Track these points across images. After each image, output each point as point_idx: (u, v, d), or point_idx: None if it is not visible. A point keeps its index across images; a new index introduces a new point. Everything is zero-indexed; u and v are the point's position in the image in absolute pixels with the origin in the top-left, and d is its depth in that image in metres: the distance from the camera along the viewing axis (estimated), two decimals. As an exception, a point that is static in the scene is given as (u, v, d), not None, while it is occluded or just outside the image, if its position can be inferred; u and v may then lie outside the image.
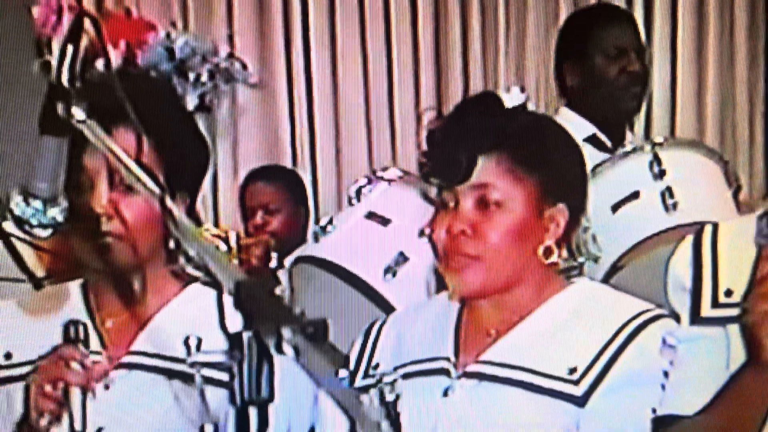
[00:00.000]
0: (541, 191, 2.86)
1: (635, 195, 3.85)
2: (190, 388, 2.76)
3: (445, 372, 2.87)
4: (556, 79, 4.77)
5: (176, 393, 2.76)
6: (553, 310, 2.88)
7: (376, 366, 2.97)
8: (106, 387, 2.81)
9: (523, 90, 2.89)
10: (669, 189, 3.82)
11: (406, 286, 4.01)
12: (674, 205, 3.80)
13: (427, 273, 4.02)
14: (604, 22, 4.72)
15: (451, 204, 2.84)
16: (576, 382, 2.77)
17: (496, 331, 2.89)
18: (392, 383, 2.75)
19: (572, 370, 2.77)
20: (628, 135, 4.63)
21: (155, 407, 2.82)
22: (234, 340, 2.00)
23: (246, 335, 2.00)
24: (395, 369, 2.92)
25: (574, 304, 2.89)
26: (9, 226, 4.59)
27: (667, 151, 3.91)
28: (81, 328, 2.70)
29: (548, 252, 2.87)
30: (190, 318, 2.83)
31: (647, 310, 2.82)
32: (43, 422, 2.68)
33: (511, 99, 2.86)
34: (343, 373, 1.99)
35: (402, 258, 3.95)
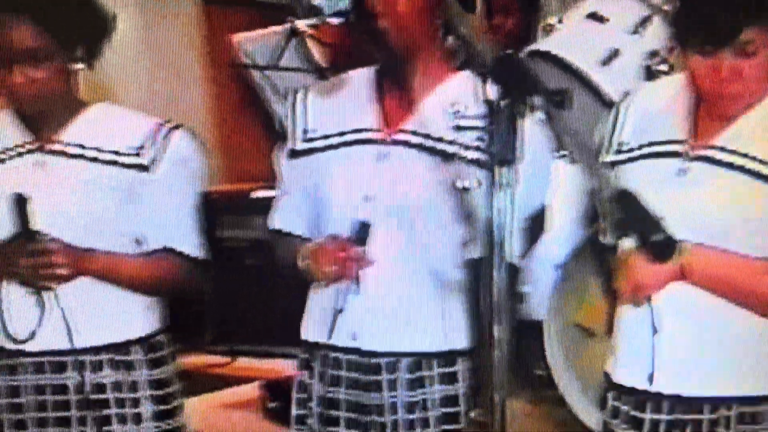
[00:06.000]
0: None
1: None
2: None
3: (678, 154, 2.55)
4: None
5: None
6: None
7: (622, 143, 2.67)
8: (380, 158, 2.69)
9: None
10: None
11: (618, 76, 3.88)
12: None
13: (638, 66, 3.89)
14: None
15: (709, 52, 2.47)
16: None
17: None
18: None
19: None
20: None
21: (421, 180, 2.66)
22: (492, 107, 1.91)
23: (502, 103, 1.90)
24: (639, 147, 2.62)
25: None
26: (299, 23, 4.58)
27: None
28: (363, 230, 2.60)
29: None
30: (454, 98, 2.69)
31: None
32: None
33: None
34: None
35: (615, 52, 3.81)
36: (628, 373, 2.59)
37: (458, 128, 2.49)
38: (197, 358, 5.68)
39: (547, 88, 1.88)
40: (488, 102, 1.90)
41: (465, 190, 2.40)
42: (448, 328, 2.66)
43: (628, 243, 2.49)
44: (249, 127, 6.15)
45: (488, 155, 1.93)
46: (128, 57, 5.89)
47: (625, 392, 2.58)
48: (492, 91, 1.92)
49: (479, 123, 1.95)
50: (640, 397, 2.55)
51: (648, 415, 2.55)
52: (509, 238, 1.94)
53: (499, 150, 1.91)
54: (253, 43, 4.73)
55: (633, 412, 2.57)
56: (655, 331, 2.53)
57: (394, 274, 2.64)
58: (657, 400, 2.54)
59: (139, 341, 2.76)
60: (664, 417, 2.54)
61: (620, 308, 2.63)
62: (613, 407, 2.61)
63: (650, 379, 2.54)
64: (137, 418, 2.74)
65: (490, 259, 1.93)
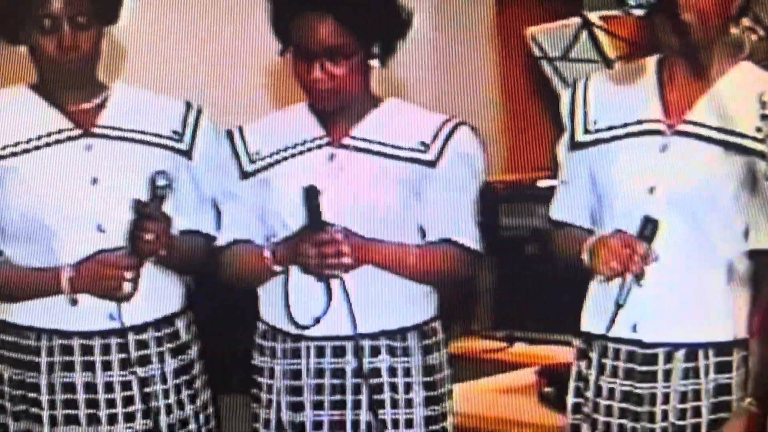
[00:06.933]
0: None
1: None
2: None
3: None
4: None
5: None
6: None
7: None
8: (664, 148, 2.65)
9: None
10: None
11: None
12: None
13: None
14: None
15: None
16: None
17: None
18: None
19: None
20: None
21: (706, 171, 2.61)
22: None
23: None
24: None
25: None
26: (592, 16, 4.55)
27: None
28: (651, 227, 2.56)
29: None
30: (746, 86, 2.63)
31: None
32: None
33: None
34: None
35: None
36: None
37: (763, 117, 2.45)
38: (475, 343, 5.73)
39: None
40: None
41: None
42: (730, 319, 2.62)
43: None
44: (535, 118, 6.16)
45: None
46: (421, 47, 6.00)
47: None
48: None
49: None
50: None
51: None
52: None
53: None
54: (546, 34, 4.72)
55: None
56: None
57: (678, 266, 2.60)
58: None
59: (415, 328, 2.81)
60: None
61: None
62: None
63: None
64: (409, 403, 2.79)
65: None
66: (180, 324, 2.89)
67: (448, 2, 6.67)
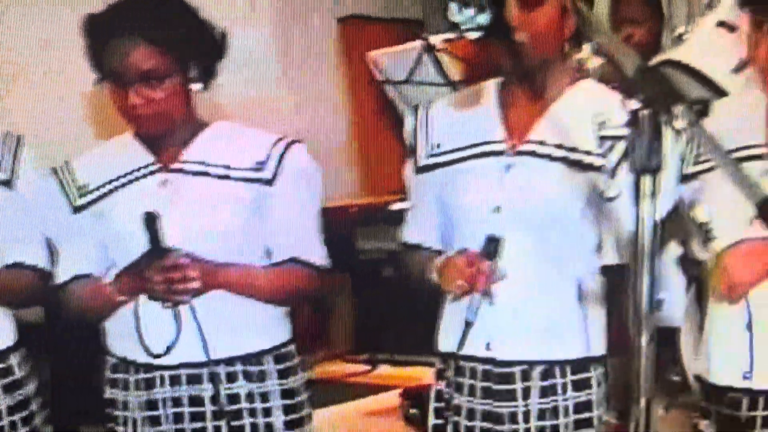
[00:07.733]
0: None
1: None
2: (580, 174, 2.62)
3: None
4: None
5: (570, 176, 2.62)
6: None
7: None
8: (507, 169, 2.65)
9: None
10: None
11: (748, 84, 3.80)
12: None
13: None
14: None
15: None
16: None
17: None
18: None
19: None
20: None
21: (549, 189, 2.61)
22: (634, 117, 1.88)
23: (643, 113, 1.87)
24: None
25: None
26: (433, 39, 4.57)
27: None
28: (494, 246, 2.56)
29: None
30: (589, 108, 2.66)
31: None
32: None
33: None
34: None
35: (744, 63, 3.74)
36: (723, 372, 2.57)
37: (601, 138, 2.47)
38: (338, 367, 5.73)
39: (689, 97, 1.85)
40: (631, 112, 1.88)
41: (609, 200, 2.36)
42: (584, 335, 2.62)
43: (720, 244, 2.46)
44: (387, 141, 6.18)
45: (631, 164, 1.90)
46: (264, 73, 5.98)
47: (720, 391, 2.56)
48: (634, 101, 1.89)
49: (622, 132, 1.91)
50: (736, 395, 2.54)
51: (744, 413, 2.53)
52: (652, 246, 1.91)
53: (642, 159, 1.88)
54: (388, 58, 4.73)
55: (727, 411, 2.55)
56: (751, 327, 2.52)
57: (528, 284, 2.60)
58: (753, 396, 2.52)
59: (270, 351, 2.78)
60: (760, 413, 2.52)
61: (713, 307, 2.61)
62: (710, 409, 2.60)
63: (747, 376, 2.52)
64: (269, 428, 2.76)
65: (634, 267, 1.90)
66: (13, 360, 2.83)
67: (291, 30, 6.65)
